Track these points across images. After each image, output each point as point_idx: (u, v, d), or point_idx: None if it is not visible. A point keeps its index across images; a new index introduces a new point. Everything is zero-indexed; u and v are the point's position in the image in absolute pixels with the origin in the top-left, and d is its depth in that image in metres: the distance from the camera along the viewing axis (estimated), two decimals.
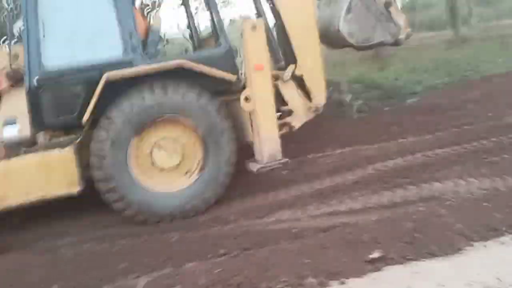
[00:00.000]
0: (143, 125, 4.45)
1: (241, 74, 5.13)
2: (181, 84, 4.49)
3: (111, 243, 4.19)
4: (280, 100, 5.31)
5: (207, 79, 4.63)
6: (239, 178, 5.31)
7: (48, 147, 4.60)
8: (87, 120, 4.42)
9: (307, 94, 5.40)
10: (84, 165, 4.54)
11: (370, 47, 6.23)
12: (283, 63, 5.48)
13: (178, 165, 4.70)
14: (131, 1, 4.64)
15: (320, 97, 5.40)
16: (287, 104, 5.34)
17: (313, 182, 5.07)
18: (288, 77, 5.27)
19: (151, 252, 3.91)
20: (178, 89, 4.48)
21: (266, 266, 3.37)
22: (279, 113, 5.26)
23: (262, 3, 5.56)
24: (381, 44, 6.11)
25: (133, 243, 4.16)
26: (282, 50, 5.56)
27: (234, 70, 4.86)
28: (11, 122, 4.52)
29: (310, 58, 5.28)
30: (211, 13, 5.39)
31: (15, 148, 4.54)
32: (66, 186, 4.45)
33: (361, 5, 5.71)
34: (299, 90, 5.38)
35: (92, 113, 4.36)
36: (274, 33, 5.61)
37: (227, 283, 3.24)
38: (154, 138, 4.60)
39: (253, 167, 5.01)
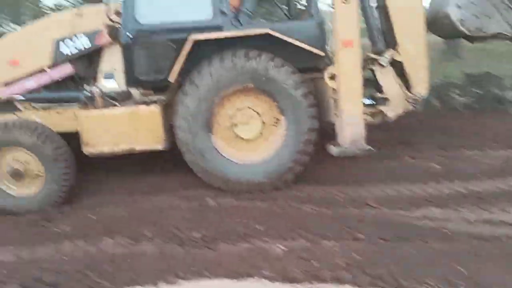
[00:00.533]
0: (219, 96, 4.45)
1: (329, 51, 4.77)
2: (253, 51, 4.34)
3: (249, 202, 4.23)
4: (375, 86, 4.88)
5: (293, 52, 4.44)
6: (378, 162, 5.02)
7: (139, 103, 4.71)
8: (174, 82, 4.50)
9: (406, 83, 4.84)
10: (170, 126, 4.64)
11: (484, 38, 5.30)
12: (382, 46, 4.90)
13: (261, 133, 4.62)
14: None
15: (420, 88, 4.80)
16: (382, 91, 4.84)
17: (468, 182, 4.52)
18: (386, 62, 4.77)
19: (285, 220, 3.85)
20: (248, 56, 4.34)
21: (410, 263, 3.10)
22: (373, 100, 4.86)
23: None
24: (498, 36, 5.15)
25: (269, 207, 4.14)
26: (382, 32, 4.96)
27: (323, 45, 4.59)
28: (109, 76, 4.77)
29: (413, 44, 4.72)
30: None
31: (111, 101, 4.74)
32: (151, 141, 4.59)
33: None
34: (397, 78, 4.83)
35: (179, 74, 4.41)
36: (375, 14, 5.02)
37: (366, 271, 3.03)
38: (231, 110, 4.56)
39: (333, 150, 4.59)
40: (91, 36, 4.78)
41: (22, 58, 4.83)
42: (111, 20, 4.77)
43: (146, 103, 4.67)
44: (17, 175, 4.56)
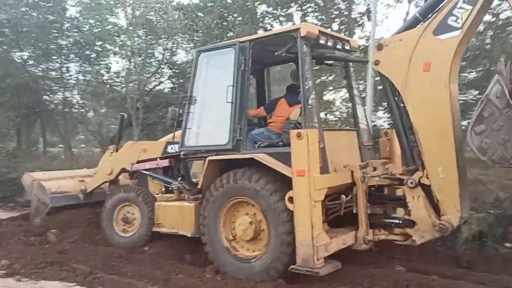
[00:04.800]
0: (226, 202, 5.52)
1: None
2: (246, 172, 5.33)
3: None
4: (405, 207, 4.90)
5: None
6: None
7: (190, 200, 6.31)
8: (202, 187, 5.87)
9: (437, 208, 4.70)
10: None
11: None
12: (415, 166, 4.87)
13: (254, 237, 5.34)
14: (247, 101, 5.66)
15: (451, 215, 4.63)
16: (410, 214, 4.83)
17: None
18: (413, 184, 4.75)
19: None
20: (240, 176, 5.35)
21: None
22: (400, 221, 4.93)
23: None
24: None
25: None
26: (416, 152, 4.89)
27: None
28: (193, 176, 6.46)
29: (442, 168, 4.62)
30: None
31: (185, 193, 6.46)
32: (186, 228, 6.07)
33: (498, 114, 4.22)
34: (427, 202, 4.73)
35: (203, 184, 5.82)
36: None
37: None
38: (236, 214, 5.55)
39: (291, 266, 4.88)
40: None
41: (149, 148, 7.25)
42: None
43: (191, 201, 6.26)
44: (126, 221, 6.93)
